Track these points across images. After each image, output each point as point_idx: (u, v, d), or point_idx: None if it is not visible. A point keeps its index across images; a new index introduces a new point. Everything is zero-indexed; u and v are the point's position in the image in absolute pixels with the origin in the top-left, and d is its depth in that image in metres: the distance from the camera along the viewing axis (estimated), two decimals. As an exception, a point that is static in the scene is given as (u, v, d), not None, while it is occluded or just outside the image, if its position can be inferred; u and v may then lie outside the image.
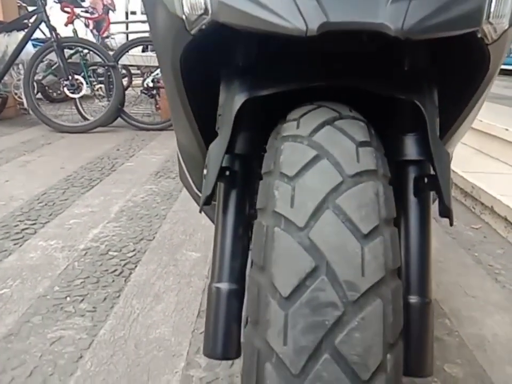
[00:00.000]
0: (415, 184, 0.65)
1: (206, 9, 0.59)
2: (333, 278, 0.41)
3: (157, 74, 3.87)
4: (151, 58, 3.96)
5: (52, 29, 3.69)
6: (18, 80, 3.98)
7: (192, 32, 0.62)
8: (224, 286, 0.66)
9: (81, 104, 3.97)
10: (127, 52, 3.85)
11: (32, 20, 3.84)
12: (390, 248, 0.45)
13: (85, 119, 3.92)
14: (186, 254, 1.62)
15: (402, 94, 0.61)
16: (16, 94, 4.04)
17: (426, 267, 0.66)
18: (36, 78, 3.83)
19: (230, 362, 1.07)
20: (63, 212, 2.01)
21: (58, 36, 3.70)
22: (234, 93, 0.65)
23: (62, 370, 1.03)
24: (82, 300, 1.32)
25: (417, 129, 0.65)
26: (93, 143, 3.44)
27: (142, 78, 4.19)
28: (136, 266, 1.53)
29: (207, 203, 0.64)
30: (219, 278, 0.67)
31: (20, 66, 4.04)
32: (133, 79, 5.33)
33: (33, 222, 1.89)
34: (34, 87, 3.79)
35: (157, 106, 4.05)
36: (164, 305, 1.31)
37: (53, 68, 4.00)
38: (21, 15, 4.07)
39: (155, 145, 3.40)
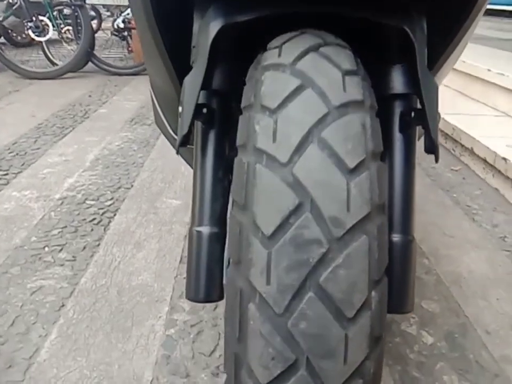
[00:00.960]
0: (401, 119, 0.63)
1: None
2: (317, 215, 0.39)
3: (128, 14, 3.66)
4: None
5: None
6: None
7: None
8: (205, 229, 0.65)
9: (48, 48, 3.75)
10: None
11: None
12: (377, 183, 0.43)
13: (54, 64, 3.72)
14: (167, 202, 1.60)
15: (391, 20, 0.57)
16: None
17: (409, 205, 0.65)
18: (-4, 19, 3.60)
19: (213, 305, 1.08)
20: (35, 162, 1.94)
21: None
22: (209, 20, 0.60)
23: (44, 319, 1.03)
24: (61, 249, 1.31)
25: (405, 60, 0.62)
26: (64, 89, 3.29)
27: (112, 19, 3.96)
28: (115, 215, 1.51)
29: (183, 144, 0.61)
30: (200, 222, 0.65)
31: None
32: (103, 19, 5.06)
33: (5, 172, 1.83)
34: None
35: (129, 49, 3.86)
36: (145, 253, 1.30)
37: (14, 8, 3.73)
38: None
39: (129, 90, 3.27)
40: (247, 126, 0.47)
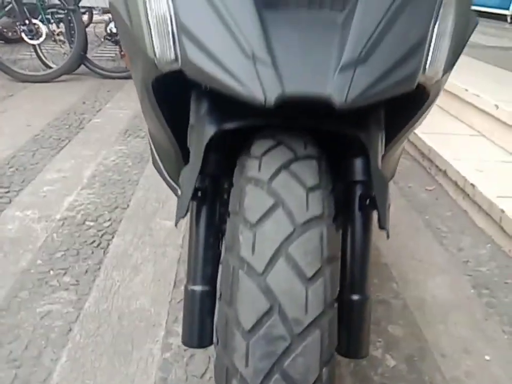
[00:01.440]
0: (360, 201, 0.77)
1: (175, 59, 0.66)
2: (283, 317, 0.54)
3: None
4: None
5: None
6: None
7: (163, 71, 0.69)
8: (198, 288, 0.79)
9: (41, 50, 3.82)
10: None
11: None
12: (330, 284, 0.58)
13: (47, 66, 3.79)
14: (160, 223, 1.73)
15: (349, 130, 0.71)
16: None
17: (365, 268, 0.80)
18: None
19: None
20: (35, 178, 2.05)
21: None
22: (203, 123, 0.73)
23: (54, 343, 1.17)
24: (65, 273, 1.44)
25: (362, 154, 0.76)
26: (57, 93, 3.38)
27: (105, 23, 4.02)
28: (113, 237, 1.64)
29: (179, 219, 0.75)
30: (194, 281, 0.79)
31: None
32: (94, 15, 5.09)
33: (7, 190, 1.94)
34: None
35: (122, 53, 3.93)
36: (142, 276, 1.44)
37: (6, 9, 3.77)
38: None
39: (121, 96, 3.37)
40: (233, 233, 0.61)
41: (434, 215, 1.89)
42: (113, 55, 4.43)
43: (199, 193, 0.76)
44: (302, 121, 0.69)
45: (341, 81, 0.57)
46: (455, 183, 1.97)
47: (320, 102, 0.57)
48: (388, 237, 0.77)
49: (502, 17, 6.78)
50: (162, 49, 0.67)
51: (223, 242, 0.76)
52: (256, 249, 0.57)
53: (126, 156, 2.33)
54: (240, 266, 0.58)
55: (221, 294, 0.63)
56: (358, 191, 0.77)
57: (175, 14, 0.63)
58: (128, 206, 1.85)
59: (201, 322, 0.79)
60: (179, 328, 1.23)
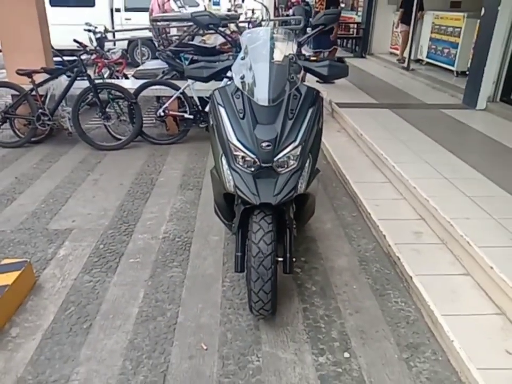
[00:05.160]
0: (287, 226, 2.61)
1: (230, 188, 2.52)
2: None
3: (166, 106, 5.66)
4: (162, 91, 5.73)
5: (88, 77, 5.40)
6: (63, 111, 5.67)
7: (227, 191, 2.56)
8: (238, 254, 2.65)
9: (111, 128, 5.74)
10: (143, 90, 5.61)
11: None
12: None
13: (116, 139, 5.70)
14: (212, 238, 3.55)
15: (280, 209, 2.54)
16: (61, 122, 5.72)
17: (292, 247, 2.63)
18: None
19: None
20: (140, 217, 3.89)
21: (94, 82, 5.42)
22: (240, 205, 2.59)
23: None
24: (172, 261, 3.25)
25: (285, 215, 2.59)
26: (128, 159, 5.27)
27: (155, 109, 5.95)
28: (190, 245, 3.46)
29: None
30: (236, 250, 2.65)
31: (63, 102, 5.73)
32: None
33: (128, 224, 3.78)
34: (79, 118, 5.52)
35: (167, 128, 5.89)
36: (209, 261, 3.24)
37: (86, 101, 5.71)
38: (65, 68, 5.72)
39: (171, 160, 5.26)
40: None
41: (351, 229, 3.70)
42: (154, 121, 6.35)
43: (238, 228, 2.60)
44: (267, 207, 2.52)
45: (273, 195, 2.41)
46: (365, 212, 3.78)
47: (269, 203, 2.41)
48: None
49: (450, 71, 8.68)
50: (227, 184, 2.53)
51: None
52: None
53: (185, 202, 4.18)
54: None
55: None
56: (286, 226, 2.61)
57: (232, 177, 2.49)
58: (194, 230, 3.68)
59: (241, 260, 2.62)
60: (226, 280, 3.04)
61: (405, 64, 9.37)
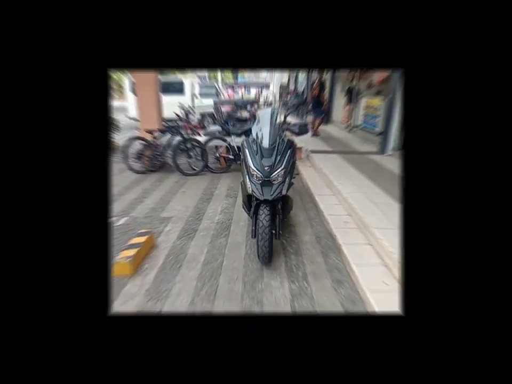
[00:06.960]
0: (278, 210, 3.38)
1: (251, 190, 3.26)
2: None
3: (220, 151, 6.56)
4: (218, 142, 6.49)
5: (181, 134, 6.28)
6: (168, 153, 6.58)
7: (249, 192, 3.32)
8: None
9: (191, 163, 6.58)
10: (209, 142, 6.51)
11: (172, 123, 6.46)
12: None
13: (193, 169, 6.55)
14: (241, 223, 4.26)
15: (275, 201, 3.29)
16: (167, 160, 6.61)
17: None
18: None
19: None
20: (205, 212, 4.69)
21: (184, 137, 6.34)
22: (253, 200, 3.33)
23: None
24: (221, 234, 4.06)
25: (277, 206, 3.35)
26: (201, 182, 5.94)
27: (214, 152, 6.83)
28: (230, 227, 4.22)
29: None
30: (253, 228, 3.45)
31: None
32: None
33: (199, 215, 4.58)
34: (176, 158, 6.39)
35: (220, 164, 6.76)
36: (238, 237, 3.98)
37: (180, 148, 6.65)
38: (170, 128, 6.58)
39: (223, 183, 5.94)
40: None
41: (313, 221, 4.36)
42: (218, 164, 7.22)
43: (253, 213, 3.36)
44: (267, 202, 3.26)
45: (271, 197, 3.11)
46: (321, 211, 4.49)
47: (268, 199, 3.13)
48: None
49: (374, 132, 8.92)
50: (248, 189, 3.29)
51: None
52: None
53: (228, 204, 4.89)
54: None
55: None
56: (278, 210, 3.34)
57: (250, 185, 3.25)
58: (232, 219, 4.45)
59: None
60: (247, 245, 3.84)
61: (349, 128, 9.82)
